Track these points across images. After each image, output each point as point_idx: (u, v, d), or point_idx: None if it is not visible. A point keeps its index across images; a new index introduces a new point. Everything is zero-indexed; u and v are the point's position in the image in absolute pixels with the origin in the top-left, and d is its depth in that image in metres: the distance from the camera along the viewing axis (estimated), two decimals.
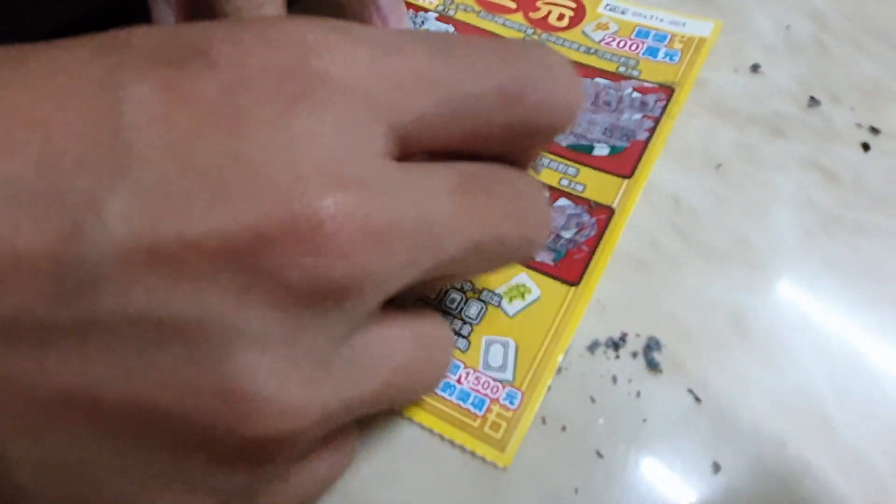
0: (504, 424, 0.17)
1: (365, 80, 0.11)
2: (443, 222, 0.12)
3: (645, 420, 0.17)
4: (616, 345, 0.18)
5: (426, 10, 0.26)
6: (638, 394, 0.18)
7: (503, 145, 0.14)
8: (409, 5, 0.26)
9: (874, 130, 0.22)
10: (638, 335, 0.19)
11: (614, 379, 0.18)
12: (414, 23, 0.25)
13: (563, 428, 0.17)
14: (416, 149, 0.13)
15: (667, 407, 0.17)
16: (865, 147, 0.21)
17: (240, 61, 0.11)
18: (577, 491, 0.16)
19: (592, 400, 0.18)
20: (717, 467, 0.17)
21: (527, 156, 0.15)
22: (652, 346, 0.18)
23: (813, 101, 0.22)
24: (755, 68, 0.23)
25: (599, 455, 0.17)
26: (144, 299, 0.10)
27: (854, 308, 0.19)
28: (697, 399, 0.18)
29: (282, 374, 0.11)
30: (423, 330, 0.14)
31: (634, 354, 0.18)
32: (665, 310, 0.19)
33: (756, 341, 0.18)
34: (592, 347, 0.18)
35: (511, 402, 0.17)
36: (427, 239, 0.12)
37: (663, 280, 0.19)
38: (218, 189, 0.10)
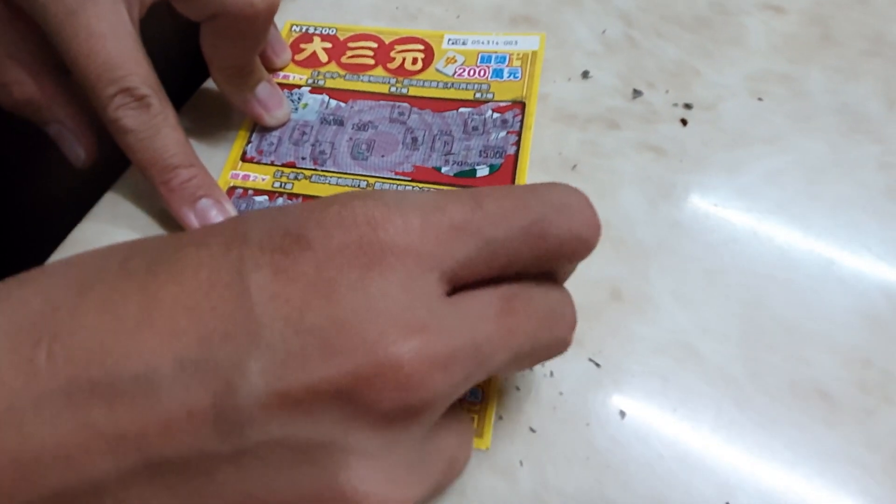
0: (475, 416, 0.21)
1: (417, 242, 0.15)
2: (490, 342, 0.15)
3: (561, 393, 0.22)
4: None
5: (299, 87, 0.29)
6: (551, 373, 0.22)
7: (533, 269, 0.17)
8: (283, 86, 0.28)
9: (687, 106, 0.27)
10: None
11: (530, 368, 0.22)
12: (292, 100, 0.28)
13: (500, 417, 0.21)
14: (463, 282, 0.16)
15: (575, 378, 0.22)
16: (684, 122, 0.26)
17: (326, 242, 0.14)
18: (521, 463, 0.21)
19: (518, 389, 0.22)
20: (622, 414, 0.21)
21: (557, 274, 0.18)
22: None
23: (636, 93, 0.27)
24: (585, 74, 0.28)
25: (532, 430, 0.21)
26: (280, 432, 0.14)
27: (697, 255, 0.24)
28: (597, 364, 0.22)
29: (383, 478, 0.14)
30: (459, 427, 0.18)
31: None
32: None
33: (631, 303, 0.23)
34: None
35: (475, 397, 0.21)
36: (478, 359, 0.15)
37: None
38: (324, 346, 0.14)
